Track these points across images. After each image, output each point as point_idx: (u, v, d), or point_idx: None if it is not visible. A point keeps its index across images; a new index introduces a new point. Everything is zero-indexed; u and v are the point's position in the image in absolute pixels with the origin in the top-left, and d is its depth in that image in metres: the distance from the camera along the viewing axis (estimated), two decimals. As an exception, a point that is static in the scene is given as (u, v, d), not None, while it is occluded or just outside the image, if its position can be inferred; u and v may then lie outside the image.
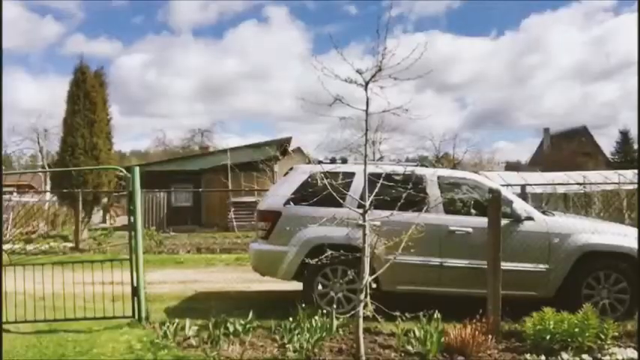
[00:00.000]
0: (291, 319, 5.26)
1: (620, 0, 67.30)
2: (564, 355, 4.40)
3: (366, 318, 4.36)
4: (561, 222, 5.98)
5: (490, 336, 4.70)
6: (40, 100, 66.14)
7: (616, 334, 4.81)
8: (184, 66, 74.29)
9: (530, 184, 17.07)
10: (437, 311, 5.14)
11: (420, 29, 71.12)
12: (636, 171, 20.14)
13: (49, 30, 75.89)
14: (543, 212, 6.36)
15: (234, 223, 20.33)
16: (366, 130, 4.39)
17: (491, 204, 5.11)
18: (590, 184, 16.94)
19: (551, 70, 69.42)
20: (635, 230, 6.13)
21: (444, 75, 64.74)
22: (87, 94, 16.19)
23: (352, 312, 4.55)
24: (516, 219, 5.92)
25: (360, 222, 4.33)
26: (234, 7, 79.70)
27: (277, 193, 6.37)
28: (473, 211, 6.02)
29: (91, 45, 74.25)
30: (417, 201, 5.40)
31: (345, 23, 74.21)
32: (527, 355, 4.45)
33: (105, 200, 19.90)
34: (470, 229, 5.91)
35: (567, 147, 39.12)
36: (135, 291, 5.78)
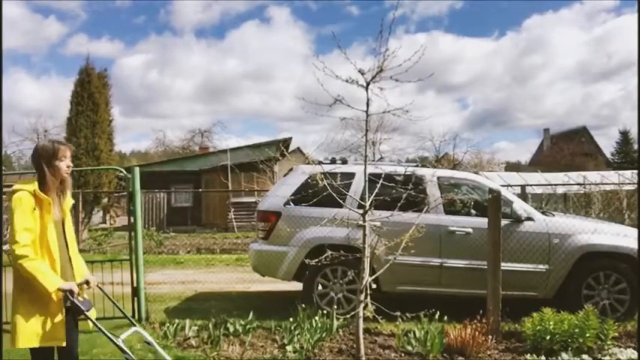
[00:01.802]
0: (291, 319, 5.26)
1: (622, 0, 67.42)
2: (564, 356, 4.40)
3: (366, 318, 4.36)
4: (561, 222, 5.97)
5: (490, 336, 4.71)
6: (42, 101, 66.42)
7: (616, 334, 4.82)
8: (186, 66, 74.55)
9: (530, 185, 17.06)
10: (437, 312, 5.14)
11: (422, 30, 71.39)
12: (636, 171, 20.13)
13: (51, 30, 76.19)
14: (543, 212, 6.36)
15: (234, 224, 20.36)
16: (366, 130, 4.39)
17: (491, 204, 5.11)
18: (590, 184, 16.92)
19: (553, 70, 69.62)
20: (635, 231, 6.12)
21: (445, 75, 64.96)
22: (90, 95, 16.26)
23: (352, 312, 4.55)
24: (516, 219, 5.92)
25: (360, 222, 4.33)
26: (236, 8, 79.89)
27: (277, 194, 6.37)
28: (473, 211, 6.03)
29: (94, 45, 74.59)
30: (417, 201, 5.40)
31: (347, 24, 74.41)
32: (527, 356, 4.46)
33: (105, 200, 19.90)
34: (470, 230, 5.91)
35: (567, 147, 39.12)
36: (135, 291, 5.78)
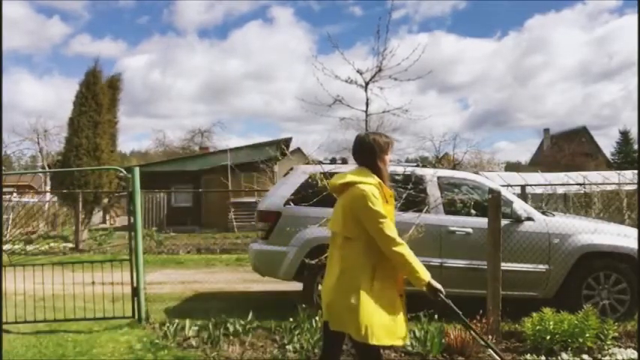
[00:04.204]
0: (291, 319, 5.25)
1: (624, 0, 67.44)
2: (564, 356, 4.40)
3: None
4: (561, 222, 5.97)
5: (490, 336, 4.70)
6: (45, 101, 66.55)
7: (616, 334, 4.81)
8: (188, 66, 74.67)
9: (531, 185, 17.05)
10: (437, 312, 5.14)
11: (425, 30, 71.54)
12: (636, 171, 20.12)
13: (55, 30, 76.43)
14: (543, 212, 6.36)
15: (234, 224, 20.35)
16: (366, 130, 4.39)
17: (491, 204, 5.11)
18: (590, 184, 16.91)
19: (554, 70, 69.70)
20: (635, 231, 6.12)
21: (447, 75, 65.18)
22: (95, 96, 16.28)
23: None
24: (516, 219, 5.91)
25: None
26: (239, 8, 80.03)
27: (277, 194, 6.36)
28: (473, 211, 6.01)
29: (97, 45, 74.85)
30: (417, 201, 5.40)
31: (350, 24, 74.66)
32: (527, 356, 4.45)
33: (105, 201, 19.91)
34: (470, 230, 5.90)
35: (567, 147, 39.08)
36: (135, 291, 5.78)
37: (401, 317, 2.83)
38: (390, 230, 2.75)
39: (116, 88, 17.33)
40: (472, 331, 3.22)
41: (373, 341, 2.69)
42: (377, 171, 2.89)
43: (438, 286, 2.83)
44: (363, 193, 2.75)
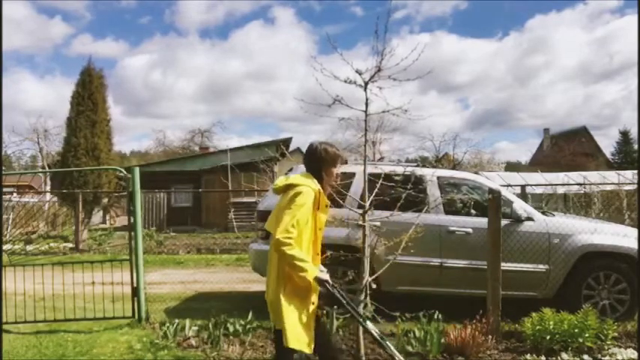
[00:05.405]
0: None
1: (625, 0, 67.45)
2: (564, 356, 4.40)
3: (365, 318, 4.35)
4: (561, 222, 5.97)
5: (490, 336, 4.71)
6: (47, 101, 66.61)
7: (616, 334, 4.81)
8: (189, 66, 74.73)
9: (531, 185, 17.06)
10: (437, 312, 5.14)
11: (426, 30, 71.58)
12: (636, 171, 20.11)
13: (56, 31, 76.54)
14: (543, 212, 6.36)
15: (234, 224, 20.34)
16: (366, 130, 4.39)
17: (491, 205, 5.11)
18: (590, 184, 16.91)
19: (554, 70, 69.74)
20: (635, 230, 6.12)
21: (447, 75, 65.21)
22: (91, 95, 16.24)
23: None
24: (516, 219, 5.91)
25: (360, 222, 4.33)
26: (240, 8, 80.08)
27: (277, 194, 6.36)
28: (473, 211, 6.02)
29: (98, 45, 74.94)
30: (416, 201, 5.40)
31: (352, 24, 74.78)
32: (527, 356, 4.46)
33: (105, 201, 19.91)
34: (470, 230, 5.90)
35: (568, 147, 39.07)
36: (135, 291, 5.78)
37: (311, 325, 2.88)
38: (287, 233, 2.73)
39: (102, 85, 17.22)
40: (362, 324, 3.23)
41: (286, 343, 2.77)
42: (320, 180, 3.00)
43: (324, 276, 2.88)
44: (298, 192, 2.83)
